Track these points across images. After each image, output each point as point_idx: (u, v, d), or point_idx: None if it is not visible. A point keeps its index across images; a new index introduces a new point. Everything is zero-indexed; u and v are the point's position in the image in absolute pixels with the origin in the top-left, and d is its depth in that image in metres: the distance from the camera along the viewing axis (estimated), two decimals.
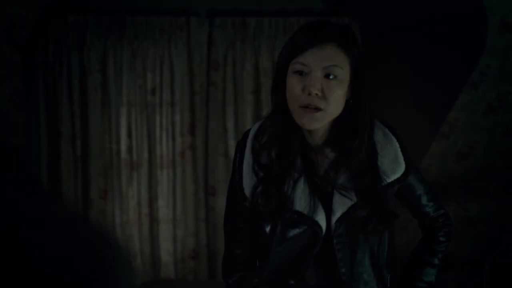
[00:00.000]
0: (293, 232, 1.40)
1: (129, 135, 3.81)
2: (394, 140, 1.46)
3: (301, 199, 1.39)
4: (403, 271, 1.58)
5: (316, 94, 1.31)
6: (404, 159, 1.45)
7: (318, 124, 1.35)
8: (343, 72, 1.34)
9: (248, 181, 1.42)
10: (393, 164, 1.43)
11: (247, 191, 1.41)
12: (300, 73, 1.33)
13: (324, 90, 1.32)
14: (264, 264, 1.44)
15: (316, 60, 1.32)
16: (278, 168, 1.39)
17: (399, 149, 1.45)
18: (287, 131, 1.40)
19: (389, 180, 1.42)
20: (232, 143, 3.86)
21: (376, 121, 1.47)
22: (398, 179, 1.43)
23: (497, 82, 3.33)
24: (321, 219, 1.39)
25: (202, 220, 3.91)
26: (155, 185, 3.86)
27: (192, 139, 3.86)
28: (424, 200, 1.54)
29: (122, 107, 3.78)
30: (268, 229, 1.41)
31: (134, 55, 3.71)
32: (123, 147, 3.81)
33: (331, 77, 1.32)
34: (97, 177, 3.79)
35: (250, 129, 1.49)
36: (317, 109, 1.32)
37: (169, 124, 3.83)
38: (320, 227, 1.39)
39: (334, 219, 1.39)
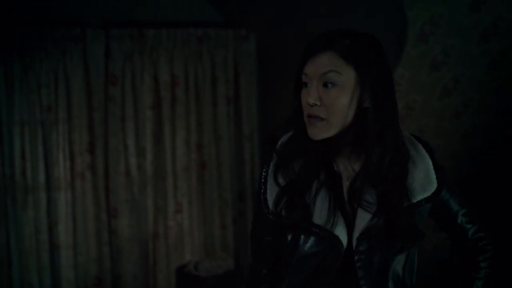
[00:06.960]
0: (312, 245, 1.36)
1: (23, 156, 3.56)
2: (427, 156, 1.39)
3: (321, 212, 1.35)
4: None
5: (315, 104, 1.29)
6: (437, 178, 1.38)
7: (323, 134, 1.31)
8: (343, 77, 1.29)
9: (271, 193, 1.41)
10: (423, 183, 1.36)
11: (270, 203, 1.40)
12: (305, 84, 1.33)
13: (323, 99, 1.29)
14: (284, 278, 1.42)
15: (313, 69, 1.30)
16: (301, 180, 1.37)
17: (431, 166, 1.38)
18: (306, 143, 1.37)
19: (414, 200, 1.35)
20: (133, 161, 3.69)
21: (408, 135, 1.42)
22: (426, 198, 1.36)
23: (409, 92, 3.35)
24: (342, 234, 1.34)
25: (105, 244, 3.70)
26: (54, 209, 3.62)
27: (92, 158, 3.67)
28: (460, 220, 1.46)
29: (15, 126, 3.53)
30: (289, 240, 1.39)
31: (25, 69, 3.48)
32: (17, 170, 3.55)
33: (329, 85, 1.29)
34: None
35: (279, 140, 1.46)
36: (320, 118, 1.30)
37: (67, 143, 3.62)
38: (340, 242, 1.34)
39: (355, 234, 1.34)
